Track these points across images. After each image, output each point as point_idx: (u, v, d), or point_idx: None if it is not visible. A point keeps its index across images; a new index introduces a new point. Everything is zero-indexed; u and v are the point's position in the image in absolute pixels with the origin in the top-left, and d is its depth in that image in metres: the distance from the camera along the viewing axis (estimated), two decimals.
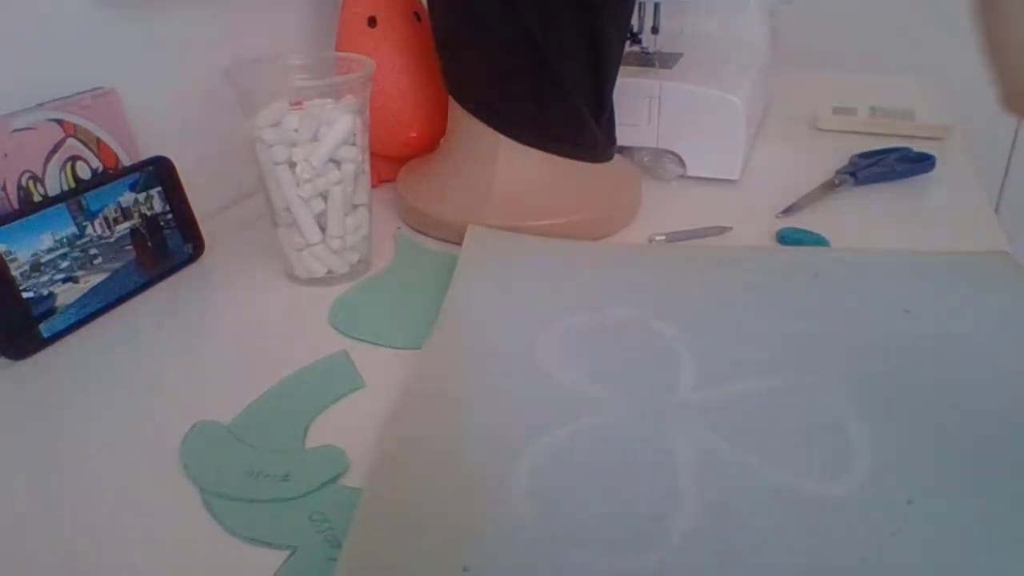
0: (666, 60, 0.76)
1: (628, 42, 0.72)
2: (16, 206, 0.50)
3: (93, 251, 0.52)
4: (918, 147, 0.75)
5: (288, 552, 0.35)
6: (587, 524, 0.34)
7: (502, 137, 0.61)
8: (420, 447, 0.39)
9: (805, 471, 0.37)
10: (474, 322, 0.49)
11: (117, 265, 0.54)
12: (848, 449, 0.38)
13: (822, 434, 0.39)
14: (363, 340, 0.50)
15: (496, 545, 0.33)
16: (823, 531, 0.34)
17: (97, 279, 0.53)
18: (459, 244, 0.57)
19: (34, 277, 0.49)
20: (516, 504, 0.35)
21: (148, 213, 0.56)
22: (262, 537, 0.35)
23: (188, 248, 0.59)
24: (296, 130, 0.51)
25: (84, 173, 0.55)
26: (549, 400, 0.42)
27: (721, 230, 0.62)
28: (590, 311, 0.50)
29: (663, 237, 0.61)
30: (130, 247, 0.55)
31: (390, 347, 0.49)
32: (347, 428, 0.42)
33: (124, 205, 0.54)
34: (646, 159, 0.73)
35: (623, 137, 0.69)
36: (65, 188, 0.53)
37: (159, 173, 0.57)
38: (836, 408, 0.41)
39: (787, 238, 0.61)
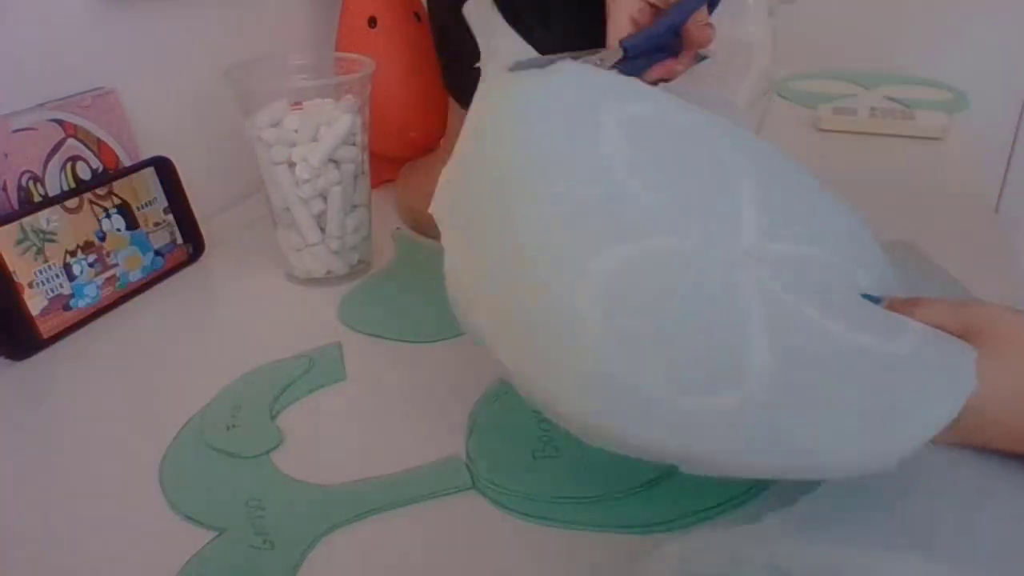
0: None
1: None
2: (16, 206, 0.50)
3: (93, 251, 0.52)
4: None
5: (216, 533, 0.35)
6: (663, 357, 0.33)
7: None
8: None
9: (866, 330, 0.36)
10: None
11: (117, 265, 0.54)
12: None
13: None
14: (374, 335, 0.51)
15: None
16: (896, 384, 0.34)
17: (97, 279, 0.53)
18: None
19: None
20: (591, 333, 0.33)
21: (147, 213, 0.56)
22: (196, 516, 0.36)
23: (188, 248, 0.59)
24: (296, 130, 0.51)
25: (84, 173, 0.55)
26: (609, 208, 0.37)
27: None
28: (653, 101, 0.43)
29: None
30: (130, 247, 0.55)
31: (401, 341, 0.50)
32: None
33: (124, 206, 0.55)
34: None
35: None
36: (65, 188, 0.53)
37: (159, 173, 0.57)
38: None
39: None
